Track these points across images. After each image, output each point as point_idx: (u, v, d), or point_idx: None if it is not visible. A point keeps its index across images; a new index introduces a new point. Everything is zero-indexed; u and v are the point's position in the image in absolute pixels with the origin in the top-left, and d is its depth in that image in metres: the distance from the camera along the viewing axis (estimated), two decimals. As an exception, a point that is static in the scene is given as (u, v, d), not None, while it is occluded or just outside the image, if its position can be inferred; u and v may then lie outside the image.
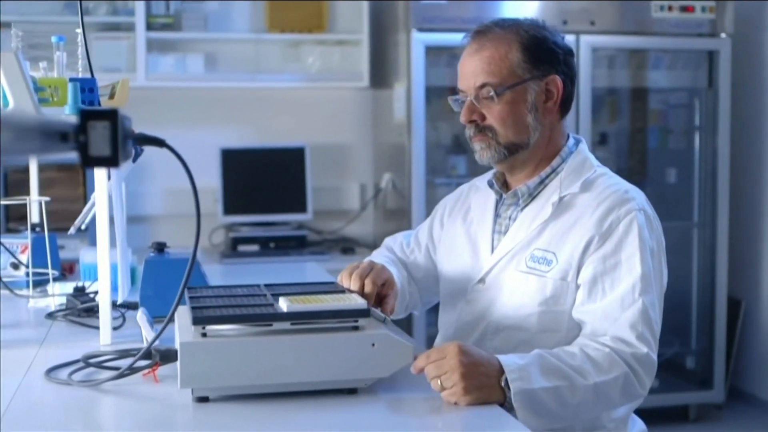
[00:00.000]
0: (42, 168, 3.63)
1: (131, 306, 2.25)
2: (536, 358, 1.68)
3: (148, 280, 2.23)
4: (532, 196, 1.99)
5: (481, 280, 2.00)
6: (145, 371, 1.70)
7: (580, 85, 4.18)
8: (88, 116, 1.02)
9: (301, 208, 4.42)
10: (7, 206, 4.01)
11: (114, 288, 2.18)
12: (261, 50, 4.50)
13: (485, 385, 1.60)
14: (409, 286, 2.19)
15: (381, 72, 4.46)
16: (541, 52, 1.95)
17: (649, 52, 4.52)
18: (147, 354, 1.67)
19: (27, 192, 2.86)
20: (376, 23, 4.48)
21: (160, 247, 2.27)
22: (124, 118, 1.10)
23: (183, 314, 1.69)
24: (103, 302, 1.99)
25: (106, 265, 1.98)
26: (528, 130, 1.96)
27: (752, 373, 4.66)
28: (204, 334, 1.57)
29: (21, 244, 2.68)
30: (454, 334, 2.03)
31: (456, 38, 2.05)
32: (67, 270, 2.99)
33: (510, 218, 2.01)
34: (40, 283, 2.57)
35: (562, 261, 1.88)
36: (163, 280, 2.19)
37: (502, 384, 1.61)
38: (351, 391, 1.62)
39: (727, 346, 4.50)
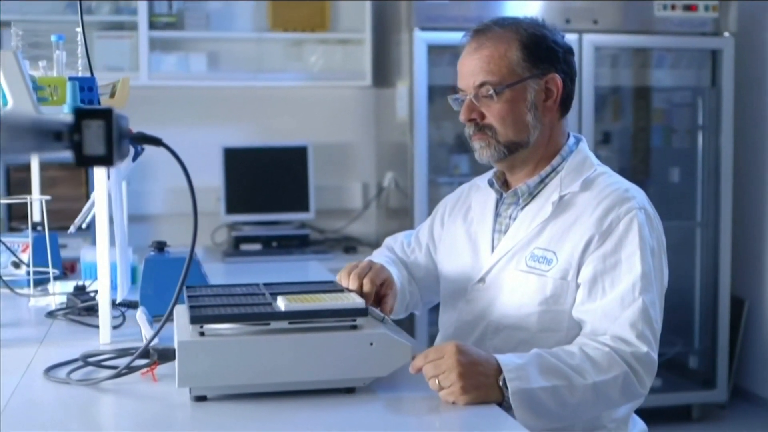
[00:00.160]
0: (45, 167, 3.63)
1: (131, 305, 2.25)
2: (535, 358, 1.68)
3: (148, 279, 2.23)
4: (532, 195, 1.98)
5: (481, 280, 2.00)
6: (144, 370, 1.69)
7: (582, 84, 4.18)
8: (82, 115, 1.02)
9: (304, 207, 4.42)
10: (9, 205, 4.01)
11: (114, 287, 2.18)
12: (263, 49, 4.50)
13: (483, 384, 1.60)
14: (410, 285, 2.19)
15: (383, 71, 4.45)
16: (540, 50, 1.95)
17: (653, 51, 4.51)
18: (145, 353, 1.67)
19: (29, 191, 2.86)
20: (378, 22, 4.48)
21: (160, 246, 2.27)
22: (120, 117, 1.10)
23: (181, 313, 1.69)
24: (103, 301, 1.99)
25: (105, 264, 1.98)
26: (528, 129, 1.95)
27: (755, 373, 4.65)
28: (202, 333, 1.57)
29: (22, 243, 2.68)
30: (454, 334, 2.03)
31: (458, 37, 2.05)
32: (68, 269, 3.00)
33: (510, 217, 2.01)
34: (41, 281, 2.57)
35: (562, 260, 1.88)
36: (163, 279, 2.19)
37: (500, 383, 1.61)
38: (349, 391, 1.62)
39: (730, 346, 4.50)
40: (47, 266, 2.49)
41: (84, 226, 2.44)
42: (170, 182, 4.33)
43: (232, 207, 4.37)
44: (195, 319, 1.57)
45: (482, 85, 1.94)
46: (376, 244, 3.80)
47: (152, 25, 4.24)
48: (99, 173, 1.95)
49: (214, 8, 4.44)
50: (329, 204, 4.63)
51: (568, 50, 2.00)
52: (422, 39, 4.02)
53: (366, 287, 1.86)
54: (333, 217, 4.65)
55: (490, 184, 2.08)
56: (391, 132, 4.42)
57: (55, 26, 2.72)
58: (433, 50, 4.05)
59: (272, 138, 4.57)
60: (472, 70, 1.95)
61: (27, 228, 2.71)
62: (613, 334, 1.77)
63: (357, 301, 1.67)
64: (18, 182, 3.99)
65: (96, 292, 2.30)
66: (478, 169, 2.17)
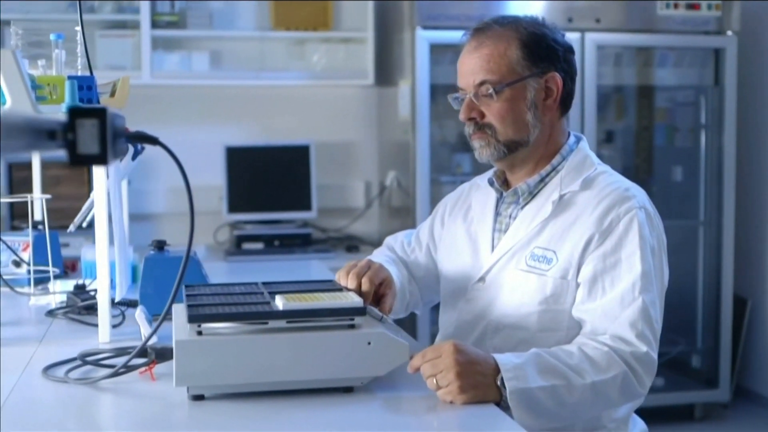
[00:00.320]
0: (48, 165, 3.64)
1: (131, 304, 2.25)
2: (533, 357, 1.68)
3: (148, 277, 2.23)
4: (532, 194, 1.98)
5: (481, 279, 2.00)
6: (142, 369, 1.70)
7: (585, 83, 4.18)
8: (76, 114, 1.02)
9: (306, 206, 4.42)
10: (11, 204, 4.02)
11: (114, 286, 2.18)
12: (266, 48, 4.51)
13: (481, 383, 1.60)
14: (410, 285, 2.19)
15: (386, 70, 4.45)
16: (540, 49, 1.95)
17: (655, 50, 4.51)
18: (143, 352, 1.67)
19: (31, 189, 2.86)
20: (381, 21, 4.48)
21: (160, 245, 2.27)
22: (116, 117, 1.09)
23: (180, 312, 1.69)
24: (102, 300, 1.99)
25: (105, 263, 1.98)
26: (527, 128, 1.95)
27: (758, 372, 4.65)
28: (200, 332, 1.57)
29: (23, 242, 2.68)
30: (454, 333, 2.03)
31: (460, 36, 2.04)
32: (69, 268, 3.00)
33: (510, 216, 2.00)
34: (41, 280, 2.57)
35: (562, 259, 1.87)
36: (163, 277, 2.19)
37: (498, 383, 1.61)
38: (347, 390, 1.62)
39: (732, 345, 4.49)
40: (48, 265, 2.49)
41: (85, 225, 2.44)
42: (172, 181, 4.33)
43: (234, 206, 4.37)
44: (193, 318, 1.56)
45: (482, 83, 1.93)
46: (378, 243, 3.80)
47: (155, 24, 4.25)
48: (98, 172, 1.95)
49: (217, 7, 4.44)
50: (331, 203, 4.63)
51: (569, 49, 2.00)
52: (424, 38, 4.02)
53: (364, 286, 1.85)
54: (335, 216, 4.65)
55: (491, 183, 2.08)
56: (394, 131, 4.41)
57: (57, 25, 2.72)
58: (435, 49, 4.05)
59: (275, 137, 4.57)
60: (471, 68, 1.95)
61: (28, 227, 2.71)
62: (613, 333, 1.77)
63: (355, 301, 1.67)
64: (20, 181, 4.00)
65: (96, 291, 2.30)
66: (480, 168, 2.16)
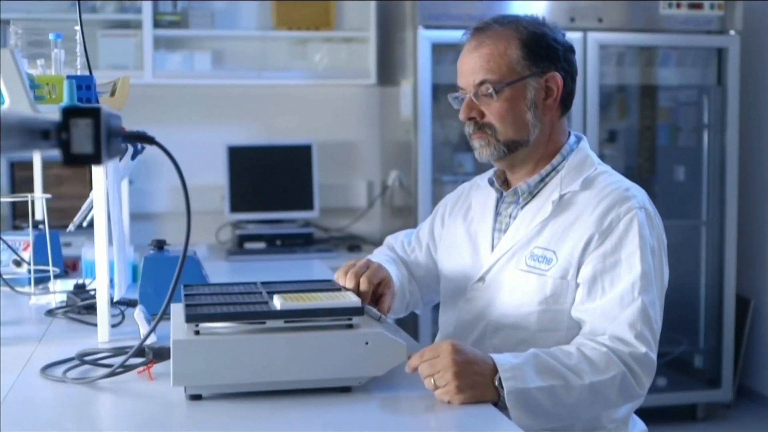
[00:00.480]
0: (51, 165, 3.64)
1: (131, 303, 2.25)
2: (531, 357, 1.67)
3: (148, 277, 2.23)
4: (532, 194, 1.97)
5: (481, 279, 1.99)
6: (140, 369, 1.70)
7: (587, 82, 4.17)
8: (69, 114, 1.02)
9: (308, 205, 4.42)
10: (13, 203, 4.02)
11: (114, 285, 2.18)
12: (268, 48, 4.51)
13: (478, 383, 1.59)
14: (410, 284, 2.18)
15: (388, 69, 4.45)
16: (540, 48, 1.94)
17: (658, 50, 4.50)
18: (141, 351, 1.67)
19: (34, 189, 2.86)
20: (383, 20, 4.48)
21: (160, 245, 2.27)
22: (111, 116, 1.09)
23: (178, 312, 1.69)
24: (101, 300, 1.99)
25: (104, 262, 1.98)
26: (527, 128, 1.94)
27: (761, 372, 4.64)
28: (197, 332, 1.56)
29: (23, 241, 2.68)
30: (454, 333, 2.02)
31: (463, 36, 2.04)
32: (70, 267, 3.00)
33: (510, 216, 2.00)
34: (42, 280, 2.57)
35: (562, 259, 1.87)
36: (163, 277, 2.19)
37: (496, 383, 1.60)
38: (345, 390, 1.62)
39: (735, 345, 4.48)
40: (48, 264, 2.50)
41: (85, 224, 2.44)
42: (174, 181, 4.28)
43: (236, 205, 4.38)
44: (190, 318, 1.56)
45: (482, 83, 1.93)
46: (380, 243, 3.79)
47: (157, 24, 4.25)
48: (97, 172, 1.95)
49: (219, 7, 4.44)
50: (333, 202, 4.63)
51: (569, 48, 1.99)
52: (426, 37, 4.02)
53: (363, 286, 1.85)
54: (337, 216, 4.65)
55: (491, 183, 2.07)
56: (396, 130, 4.41)
57: (58, 25, 2.73)
58: (437, 48, 4.05)
59: (276, 136, 4.57)
60: (471, 68, 1.95)
61: (34, 226, 2.71)
62: (612, 334, 1.76)
63: (353, 301, 1.66)
64: (22, 180, 4.00)
65: (96, 290, 2.30)
66: (482, 168, 2.16)
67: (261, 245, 4.26)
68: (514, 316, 1.91)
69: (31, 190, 2.82)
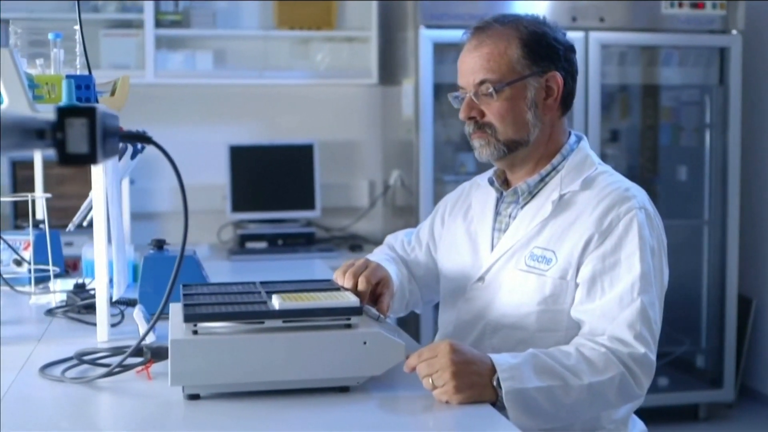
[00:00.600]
0: (53, 164, 3.62)
1: (131, 303, 2.25)
2: (530, 358, 1.67)
3: (147, 277, 2.23)
4: (532, 194, 1.97)
5: (481, 279, 1.99)
6: (139, 368, 1.70)
7: (589, 82, 4.17)
8: (65, 113, 1.02)
9: (310, 205, 4.42)
10: (15, 203, 4.03)
11: (113, 285, 2.18)
12: (270, 47, 4.51)
13: (477, 383, 1.59)
14: (410, 284, 2.18)
15: (390, 69, 4.45)
16: (540, 48, 1.94)
17: (660, 49, 4.49)
18: (139, 351, 1.67)
19: (35, 189, 2.86)
20: (384, 20, 4.47)
21: (159, 244, 2.27)
22: (107, 116, 1.09)
23: (176, 311, 1.69)
24: (100, 299, 1.99)
25: (103, 261, 1.98)
26: (527, 127, 1.94)
27: (763, 372, 4.63)
28: (195, 332, 1.56)
29: (24, 241, 2.68)
30: (454, 333, 2.02)
31: (464, 35, 2.03)
32: (71, 266, 3.00)
33: (510, 216, 2.00)
34: (42, 279, 2.58)
35: (561, 260, 1.86)
36: (162, 277, 2.18)
37: (494, 383, 1.60)
38: (343, 390, 1.61)
39: (737, 345, 4.48)
40: (48, 264, 2.50)
41: (85, 224, 2.44)
42: (175, 180, 4.32)
43: (237, 205, 4.38)
44: (188, 318, 1.56)
45: (482, 83, 1.92)
46: (381, 243, 3.80)
47: (158, 23, 4.25)
48: (96, 172, 1.95)
49: (221, 6, 4.44)
50: (335, 202, 4.63)
51: (569, 48, 1.99)
52: (428, 37, 4.02)
53: (361, 286, 1.85)
54: (339, 215, 4.65)
55: (491, 182, 2.07)
56: (397, 130, 4.41)
57: (59, 24, 2.72)
58: (439, 48, 4.05)
59: (278, 136, 4.57)
60: (471, 67, 1.94)
61: (34, 226, 2.72)
62: (611, 334, 1.76)
63: (351, 300, 1.66)
64: (24, 180, 4.00)
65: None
66: (484, 168, 2.16)
67: (262, 245, 4.26)
68: (513, 316, 1.91)
69: (32, 189, 2.83)
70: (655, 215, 1.91)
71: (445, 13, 4.02)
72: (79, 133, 1.02)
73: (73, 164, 1.03)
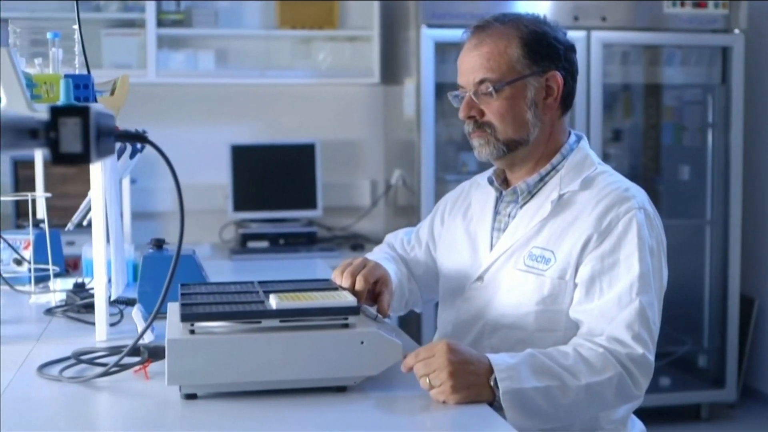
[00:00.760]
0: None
1: (130, 302, 2.25)
2: (527, 358, 1.67)
3: (146, 276, 2.23)
4: (531, 193, 1.97)
5: (480, 278, 1.99)
6: (137, 368, 1.69)
7: (591, 81, 4.16)
8: (58, 113, 1.02)
9: (311, 204, 4.42)
10: (16, 202, 4.03)
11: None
12: (272, 47, 4.51)
13: (474, 383, 1.59)
14: (409, 283, 2.18)
15: (391, 68, 4.45)
16: (541, 47, 1.93)
17: (663, 48, 4.49)
18: (136, 350, 1.67)
19: (36, 188, 2.86)
20: (386, 19, 4.47)
21: (159, 244, 2.27)
22: (102, 115, 1.09)
23: (174, 311, 1.69)
24: (99, 299, 1.99)
25: (101, 261, 1.98)
26: (527, 127, 1.94)
27: (765, 372, 4.62)
28: (192, 331, 1.56)
29: (24, 240, 2.68)
30: (452, 332, 2.02)
31: (466, 35, 2.03)
32: (72, 266, 3.00)
33: (509, 216, 1.99)
34: (42, 278, 2.58)
35: (560, 259, 1.86)
36: (161, 276, 2.16)
37: (492, 383, 1.60)
38: (340, 389, 1.61)
39: (739, 345, 4.47)
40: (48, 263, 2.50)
41: (85, 223, 2.44)
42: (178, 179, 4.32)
43: (239, 204, 4.38)
44: (185, 317, 1.56)
45: (482, 82, 1.92)
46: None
47: (160, 23, 4.26)
48: (94, 171, 1.95)
49: (223, 6, 4.44)
50: (337, 201, 4.62)
51: (570, 47, 1.98)
52: (429, 36, 4.02)
53: (358, 285, 1.85)
54: (341, 215, 4.65)
55: (490, 181, 2.07)
56: (399, 129, 4.41)
57: (61, 23, 2.72)
58: (441, 47, 4.05)
59: (280, 135, 4.57)
60: (471, 66, 1.94)
61: (35, 225, 2.72)
62: (609, 334, 1.75)
63: (349, 300, 1.66)
64: (25, 179, 4.00)
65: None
66: (485, 167, 2.16)
67: (264, 244, 4.26)
68: (512, 316, 1.90)
69: (33, 188, 2.83)
70: (655, 215, 1.91)
71: (447, 13, 4.02)
72: (73, 132, 1.02)
73: (67, 164, 1.03)
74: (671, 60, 4.55)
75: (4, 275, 2.51)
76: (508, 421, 1.55)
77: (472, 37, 1.97)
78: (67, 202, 3.24)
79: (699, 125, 4.62)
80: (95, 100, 1.97)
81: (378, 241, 4.40)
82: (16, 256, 2.67)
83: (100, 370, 1.68)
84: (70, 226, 2.39)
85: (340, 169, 4.66)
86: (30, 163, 3.72)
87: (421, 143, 4.07)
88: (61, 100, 1.69)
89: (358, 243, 4.42)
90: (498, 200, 2.04)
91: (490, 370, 1.61)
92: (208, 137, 4.47)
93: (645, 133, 4.71)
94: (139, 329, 1.86)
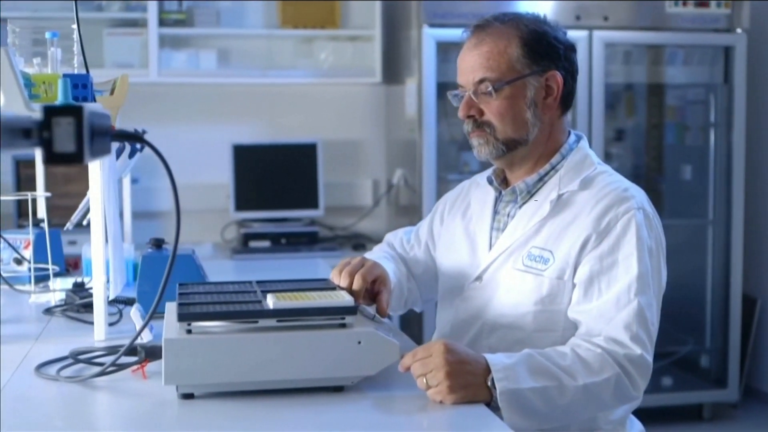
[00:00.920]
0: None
1: (129, 302, 2.25)
2: (525, 358, 1.66)
3: (146, 276, 2.23)
4: (530, 193, 1.96)
5: (478, 278, 1.98)
6: (134, 367, 1.70)
7: (593, 81, 4.16)
8: (51, 112, 1.02)
9: (313, 204, 4.42)
10: (18, 201, 4.03)
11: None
12: (273, 46, 4.51)
13: (471, 383, 1.58)
14: (408, 282, 2.18)
15: (393, 68, 4.45)
16: (541, 47, 1.93)
17: (665, 48, 4.48)
18: (134, 350, 1.67)
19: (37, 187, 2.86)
20: (388, 19, 4.47)
21: (158, 243, 2.27)
22: (96, 115, 1.09)
23: (172, 310, 1.69)
24: (97, 298, 1.99)
25: (100, 260, 1.98)
26: (527, 126, 1.93)
27: (767, 372, 4.61)
28: (189, 331, 1.56)
29: (24, 240, 2.69)
30: (451, 332, 2.02)
31: (467, 34, 2.03)
32: (72, 265, 3.00)
33: (508, 215, 1.99)
34: (43, 278, 2.58)
35: (558, 259, 1.86)
36: (160, 276, 2.16)
37: (489, 383, 1.60)
38: (337, 389, 1.61)
39: (742, 345, 4.46)
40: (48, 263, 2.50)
41: (84, 222, 2.44)
42: (179, 179, 4.27)
43: (241, 204, 4.37)
44: (182, 317, 1.56)
45: (481, 81, 1.92)
46: (384, 242, 3.80)
47: (162, 22, 4.25)
48: (93, 171, 1.95)
49: (224, 5, 4.44)
50: (339, 201, 4.62)
51: (570, 47, 1.98)
52: (431, 36, 4.02)
53: (356, 285, 1.84)
54: (342, 214, 4.65)
55: (489, 181, 2.06)
56: (401, 129, 4.41)
57: (62, 23, 2.73)
58: (442, 47, 4.05)
59: (282, 135, 4.57)
60: (471, 66, 1.94)
61: (33, 225, 2.72)
62: (607, 335, 1.75)
63: (346, 300, 1.66)
64: (27, 178, 4.00)
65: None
66: (487, 167, 2.15)
67: (266, 244, 4.26)
68: (510, 316, 1.90)
69: (35, 188, 2.83)
70: (654, 216, 1.90)
71: (449, 12, 4.02)
72: (66, 132, 1.02)
73: (60, 163, 1.03)
74: (673, 59, 4.55)
75: (5, 275, 2.51)
76: (505, 421, 1.55)
77: (472, 37, 1.96)
78: (69, 201, 3.24)
79: (701, 125, 4.61)
80: (94, 100, 1.97)
81: (379, 240, 4.38)
82: (16, 255, 2.67)
83: (97, 369, 1.68)
84: (69, 225, 2.40)
85: (341, 169, 4.66)
86: (31, 163, 3.72)
87: (423, 143, 4.07)
88: (59, 100, 1.69)
89: (360, 243, 4.42)
90: (497, 200, 2.04)
91: (488, 370, 1.61)
92: (210, 137, 4.47)
93: (647, 133, 4.70)
94: (138, 329, 1.86)
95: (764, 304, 4.61)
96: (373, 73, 4.46)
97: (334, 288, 1.81)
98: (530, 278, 1.88)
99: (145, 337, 1.82)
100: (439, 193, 4.05)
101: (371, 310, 1.85)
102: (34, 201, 2.62)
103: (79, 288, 2.37)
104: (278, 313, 1.59)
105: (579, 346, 1.74)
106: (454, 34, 3.87)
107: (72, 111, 1.03)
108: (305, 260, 4.01)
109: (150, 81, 4.19)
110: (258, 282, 1.85)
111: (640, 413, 1.99)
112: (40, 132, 1.02)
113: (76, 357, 1.76)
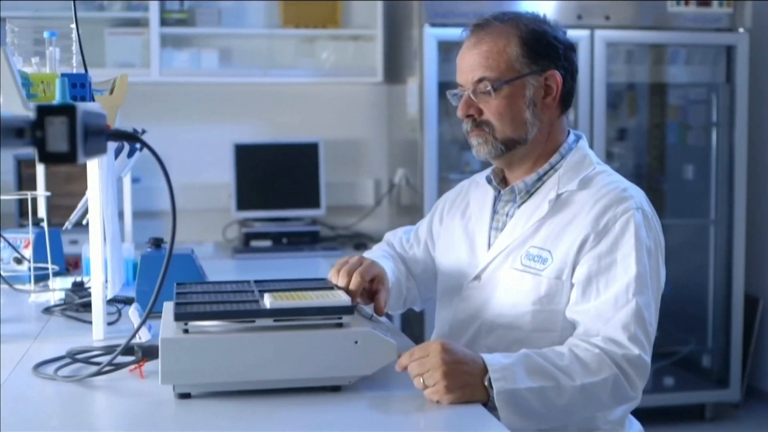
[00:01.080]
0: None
1: (128, 301, 2.25)
2: (522, 358, 1.66)
3: (145, 275, 2.23)
4: (529, 192, 1.96)
5: (477, 277, 1.98)
6: (132, 367, 1.70)
7: (594, 80, 4.15)
8: (44, 112, 1.02)
9: (315, 203, 4.42)
10: (20, 201, 4.03)
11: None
12: (275, 46, 4.51)
13: (468, 383, 1.58)
14: (407, 281, 2.17)
15: (395, 67, 4.45)
16: (540, 46, 1.93)
17: (667, 47, 4.47)
18: (132, 349, 1.67)
19: (37, 187, 2.87)
20: (390, 18, 4.47)
21: (157, 243, 2.27)
22: (90, 114, 1.09)
23: (169, 310, 1.69)
24: (96, 298, 1.99)
25: (99, 260, 1.98)
26: (525, 126, 1.93)
27: (769, 373, 4.61)
28: (186, 331, 1.56)
29: (24, 239, 2.69)
30: (449, 332, 2.01)
31: (468, 34, 2.03)
32: (72, 265, 3.00)
33: (507, 215, 1.99)
34: (43, 277, 2.58)
35: (557, 259, 1.85)
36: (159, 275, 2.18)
37: (486, 383, 1.59)
38: (334, 389, 1.61)
39: (743, 345, 4.45)
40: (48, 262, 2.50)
41: (84, 222, 2.44)
42: (180, 179, 4.32)
43: (242, 203, 4.38)
44: (179, 316, 1.56)
45: (480, 80, 1.92)
46: (386, 241, 3.80)
47: (164, 22, 4.26)
48: (91, 170, 1.95)
49: (226, 5, 4.44)
50: (340, 200, 4.62)
51: (569, 47, 1.98)
52: (432, 35, 4.02)
53: (353, 284, 1.84)
54: (344, 214, 4.65)
55: (488, 181, 2.06)
56: (402, 128, 4.41)
57: (63, 22, 2.73)
58: (444, 46, 4.04)
59: (283, 134, 4.57)
60: (470, 65, 1.94)
61: (33, 224, 2.72)
62: (605, 335, 1.75)
63: (343, 299, 1.66)
64: (28, 178, 4.00)
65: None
66: (488, 166, 2.15)
67: (267, 243, 4.26)
68: (508, 316, 1.90)
69: (36, 187, 2.83)
70: (653, 216, 1.90)
71: (450, 12, 4.02)
72: (59, 131, 1.02)
73: (54, 163, 1.03)
74: (675, 59, 4.54)
75: (4, 274, 2.51)
76: (502, 421, 1.55)
77: (472, 36, 1.96)
78: (71, 200, 3.24)
79: (703, 124, 4.60)
80: (92, 99, 1.97)
81: (381, 240, 4.41)
82: (16, 254, 2.67)
83: (94, 369, 1.68)
84: (67, 225, 2.40)
85: (343, 168, 4.66)
86: (33, 162, 3.73)
87: (425, 142, 4.07)
88: (57, 99, 1.69)
89: (362, 242, 4.41)
90: (496, 199, 2.04)
91: (485, 370, 1.60)
92: (212, 136, 4.47)
93: (649, 132, 4.70)
94: (136, 328, 1.86)
95: (766, 303, 4.60)
96: (375, 73, 4.46)
97: (331, 287, 1.81)
98: (528, 278, 1.88)
99: (144, 337, 1.83)
100: (441, 193, 4.03)
101: (369, 309, 1.85)
102: (34, 200, 2.63)
103: (79, 287, 2.38)
104: (275, 313, 1.59)
105: (577, 346, 1.73)
106: (455, 33, 3.85)
107: (65, 110, 1.03)
108: (306, 260, 4.01)
109: (151, 80, 4.20)
110: (256, 281, 1.85)
111: (641, 413, 1.99)
112: (33, 131, 1.02)
113: (73, 356, 1.76)
